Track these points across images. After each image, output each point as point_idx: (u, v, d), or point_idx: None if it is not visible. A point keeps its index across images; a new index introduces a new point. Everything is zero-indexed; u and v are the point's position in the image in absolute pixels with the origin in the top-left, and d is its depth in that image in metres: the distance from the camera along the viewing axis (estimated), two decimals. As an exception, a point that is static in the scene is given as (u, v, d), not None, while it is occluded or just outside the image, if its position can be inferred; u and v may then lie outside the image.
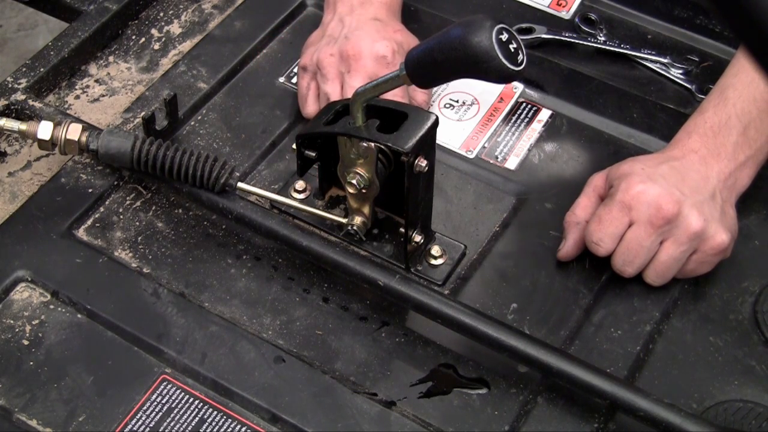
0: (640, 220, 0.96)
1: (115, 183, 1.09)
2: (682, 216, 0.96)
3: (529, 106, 1.18)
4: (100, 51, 1.23)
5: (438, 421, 0.92)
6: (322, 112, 1.02)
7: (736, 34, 0.49)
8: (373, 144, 0.94)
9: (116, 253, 1.03)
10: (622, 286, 1.02)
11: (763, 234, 1.07)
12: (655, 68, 1.23)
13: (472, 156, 1.13)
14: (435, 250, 1.03)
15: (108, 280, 1.01)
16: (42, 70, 1.16)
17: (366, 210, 1.01)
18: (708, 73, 1.21)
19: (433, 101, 1.18)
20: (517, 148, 1.14)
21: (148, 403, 0.92)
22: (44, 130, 1.03)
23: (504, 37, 0.81)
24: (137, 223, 1.06)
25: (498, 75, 0.82)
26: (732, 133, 1.01)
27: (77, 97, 1.18)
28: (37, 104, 1.12)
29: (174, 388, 0.93)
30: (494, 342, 0.92)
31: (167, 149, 1.02)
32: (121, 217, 1.07)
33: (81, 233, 1.05)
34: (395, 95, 1.06)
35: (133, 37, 1.25)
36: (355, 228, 1.02)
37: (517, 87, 1.20)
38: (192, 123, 1.16)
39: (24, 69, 1.16)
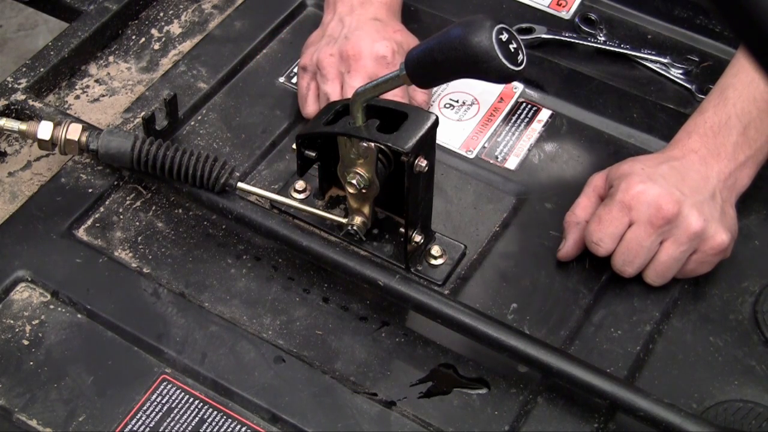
0: (640, 220, 0.96)
1: (115, 183, 1.09)
2: (682, 216, 0.96)
3: (529, 106, 1.18)
4: (100, 51, 1.23)
5: (438, 421, 0.92)
6: (322, 112, 1.02)
7: (736, 34, 0.49)
8: (373, 144, 0.94)
9: (116, 253, 1.03)
10: (622, 286, 1.02)
11: (763, 234, 1.07)
12: (655, 68, 1.23)
13: (472, 156, 1.13)
14: (435, 250, 1.03)
15: (108, 280, 1.01)
16: (42, 70, 1.16)
17: (366, 210, 1.01)
18: (708, 73, 1.21)
19: (433, 101, 1.18)
20: (517, 148, 1.14)
21: (148, 403, 0.92)
22: (44, 130, 1.03)
23: (504, 37, 0.81)
24: (137, 223, 1.06)
25: (498, 75, 0.82)
26: (732, 133, 1.01)
27: (77, 97, 1.18)
28: (37, 104, 1.12)
29: (174, 388, 0.93)
30: (494, 342, 0.92)
31: (167, 149, 1.02)
32: (121, 217, 1.07)
33: (81, 233, 1.05)
34: (395, 95, 1.06)
35: (133, 37, 1.25)
36: (355, 228, 1.02)
37: (517, 87, 1.20)
38: (192, 123, 1.16)
39: (24, 69, 1.16)
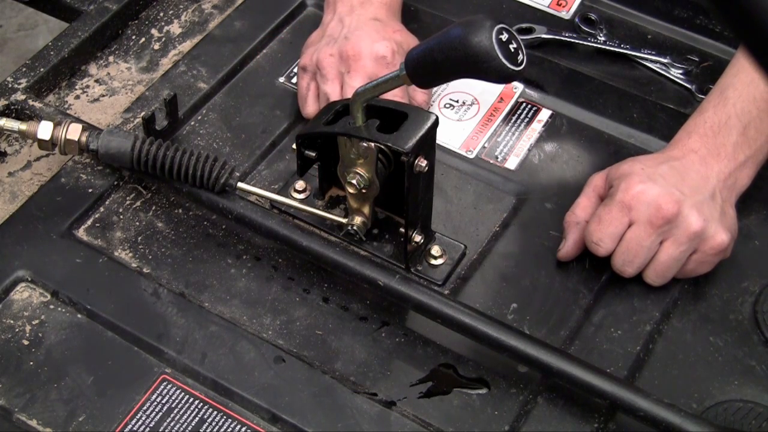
0: (639, 220, 0.96)
1: (115, 183, 1.09)
2: (681, 216, 0.96)
3: (529, 106, 1.18)
4: (100, 51, 1.23)
5: (438, 421, 0.92)
6: (322, 112, 1.02)
7: (736, 34, 0.49)
8: (373, 144, 0.94)
9: (116, 253, 1.03)
10: (622, 286, 1.02)
11: (763, 234, 1.07)
12: (655, 68, 1.23)
13: (472, 156, 1.13)
14: (435, 250, 1.03)
15: (108, 280, 1.01)
16: (42, 70, 1.16)
17: (366, 210, 1.01)
18: (708, 73, 1.21)
19: (433, 101, 1.18)
20: (517, 148, 1.14)
21: (148, 403, 0.92)
22: (44, 130, 1.03)
23: (504, 37, 0.81)
24: (137, 223, 1.06)
25: (498, 75, 0.82)
26: (732, 133, 1.01)
27: (77, 97, 1.18)
28: (37, 104, 1.12)
29: (174, 388, 0.93)
30: (494, 342, 0.92)
31: (167, 149, 1.02)
32: (121, 217, 1.07)
33: (81, 233, 1.05)
34: (395, 95, 1.06)
35: (133, 37, 1.25)
36: (355, 228, 1.02)
37: (517, 87, 1.20)
38: (192, 123, 1.16)
39: (24, 69, 1.16)
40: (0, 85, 1.14)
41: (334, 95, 1.08)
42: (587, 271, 1.03)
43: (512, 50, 0.82)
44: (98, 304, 0.98)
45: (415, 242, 1.00)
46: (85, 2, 1.26)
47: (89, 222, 1.06)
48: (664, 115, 1.17)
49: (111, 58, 1.23)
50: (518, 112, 1.18)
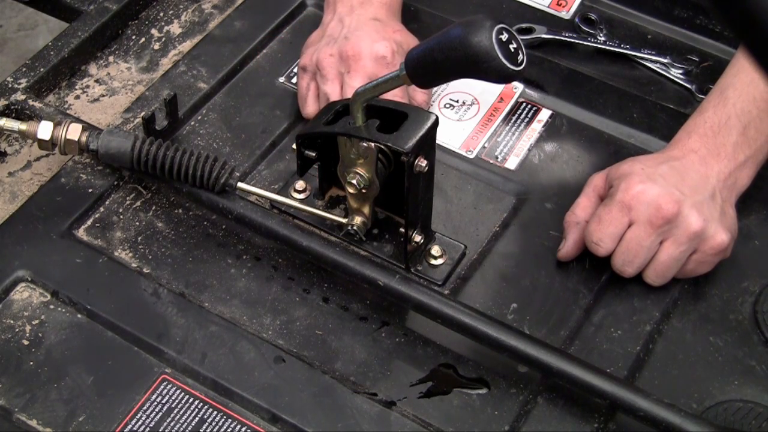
0: (639, 220, 0.96)
1: (115, 183, 1.09)
2: (681, 216, 0.96)
3: (529, 106, 1.18)
4: (100, 51, 1.23)
5: (438, 421, 0.92)
6: (322, 112, 1.02)
7: (736, 34, 0.49)
8: (373, 144, 0.94)
9: (116, 253, 1.03)
10: (622, 286, 1.02)
11: (763, 234, 1.07)
12: (655, 68, 1.23)
13: (472, 156, 1.13)
14: (435, 250, 1.03)
15: (108, 280, 1.01)
16: (42, 70, 1.16)
17: (366, 210, 1.01)
18: (708, 73, 1.21)
19: (433, 101, 1.18)
20: (517, 148, 1.14)
21: (148, 403, 0.92)
22: (44, 130, 1.03)
23: (504, 37, 0.81)
24: (137, 223, 1.06)
25: (498, 75, 0.82)
26: (732, 133, 1.01)
27: (77, 97, 1.18)
28: (37, 104, 1.12)
29: (174, 388, 0.93)
30: (494, 342, 0.92)
31: (167, 149, 1.02)
32: (121, 217, 1.07)
33: (81, 233, 1.05)
34: (395, 95, 1.06)
35: (133, 37, 1.25)
36: (355, 228, 1.02)
37: (517, 87, 1.20)
38: (192, 123, 1.16)
39: (24, 69, 1.16)
40: (0, 85, 1.14)
41: (334, 95, 1.08)
42: (587, 271, 1.03)
43: (512, 50, 0.82)
44: (98, 304, 0.99)
45: (415, 242, 1.00)
46: (85, 2, 1.26)
47: (89, 222, 1.06)
48: (664, 115, 1.17)
49: (111, 58, 1.23)
50: (518, 112, 1.18)
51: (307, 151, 1.02)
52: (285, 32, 1.27)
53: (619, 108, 1.18)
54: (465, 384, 0.95)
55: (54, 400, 0.92)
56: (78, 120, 1.09)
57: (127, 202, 1.08)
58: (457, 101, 1.19)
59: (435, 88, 1.19)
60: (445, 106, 1.18)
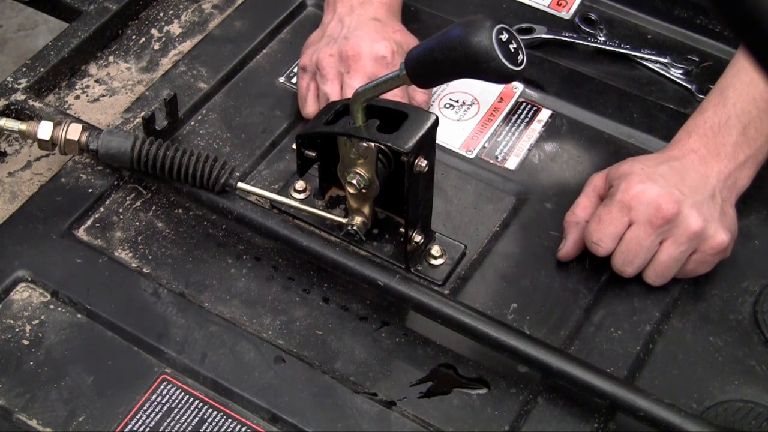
0: (639, 220, 0.96)
1: (115, 183, 1.09)
2: (681, 216, 0.96)
3: (529, 106, 1.18)
4: (100, 51, 1.23)
5: (438, 421, 0.92)
6: (322, 112, 1.02)
7: (735, 34, 0.49)
8: (373, 144, 0.94)
9: (116, 253, 1.03)
10: (622, 286, 1.02)
11: (763, 234, 1.07)
12: (655, 68, 1.23)
13: (472, 156, 1.13)
14: (435, 250, 1.03)
15: (108, 280, 1.01)
16: (42, 70, 1.16)
17: (366, 210, 1.01)
18: (708, 73, 1.21)
19: (433, 101, 1.18)
20: (517, 148, 1.14)
21: (148, 403, 0.92)
22: (44, 130, 1.03)
23: (504, 37, 0.81)
24: (137, 223, 1.06)
25: (498, 75, 0.82)
26: (732, 132, 1.01)
27: (77, 97, 1.18)
28: (37, 104, 1.12)
29: (174, 388, 0.93)
30: (494, 342, 0.92)
31: (167, 149, 1.02)
32: (121, 217, 1.07)
33: (81, 233, 1.05)
34: (395, 95, 1.06)
35: (133, 37, 1.25)
36: (355, 228, 1.02)
37: (517, 87, 1.20)
38: (192, 123, 1.16)
39: (24, 69, 1.16)
40: (0, 85, 1.14)
41: (334, 95, 1.08)
42: (587, 271, 1.03)
43: (512, 50, 0.82)
44: (98, 304, 0.99)
45: (415, 242, 1.00)
46: (85, 2, 1.26)
47: (89, 222, 1.06)
48: (664, 115, 1.17)
49: (111, 58, 1.23)
50: (518, 112, 1.18)
51: (307, 151, 1.02)
52: (285, 32, 1.27)
53: (619, 108, 1.18)
54: (465, 384, 0.95)
55: (54, 400, 0.92)
56: (78, 120, 1.09)
57: (127, 202, 1.08)
58: (457, 101, 1.19)
59: (435, 88, 1.19)
60: (445, 106, 1.18)
